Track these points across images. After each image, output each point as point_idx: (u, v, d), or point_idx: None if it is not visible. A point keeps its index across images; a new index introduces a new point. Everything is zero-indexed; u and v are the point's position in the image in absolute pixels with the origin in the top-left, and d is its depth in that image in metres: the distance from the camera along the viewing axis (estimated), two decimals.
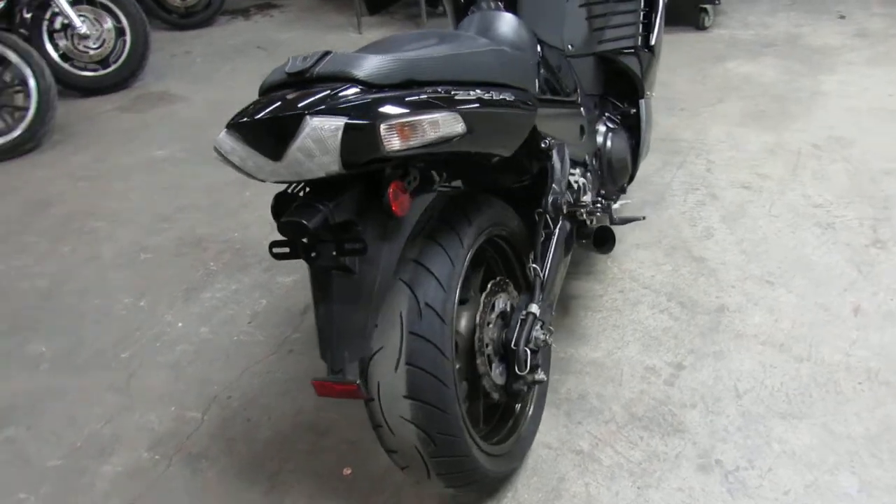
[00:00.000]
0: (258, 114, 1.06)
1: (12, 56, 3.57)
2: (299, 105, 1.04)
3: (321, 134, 1.03)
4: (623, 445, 1.73)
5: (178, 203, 3.10)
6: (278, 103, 1.06)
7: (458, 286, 1.38)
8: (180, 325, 2.32)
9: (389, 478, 1.70)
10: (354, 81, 1.10)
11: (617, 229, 2.46)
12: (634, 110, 2.19)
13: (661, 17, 2.32)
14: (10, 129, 3.62)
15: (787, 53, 3.98)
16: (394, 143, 1.08)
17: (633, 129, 2.18)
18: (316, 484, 1.72)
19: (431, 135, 1.12)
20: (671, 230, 2.52)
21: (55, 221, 3.03)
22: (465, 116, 1.18)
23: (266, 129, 1.05)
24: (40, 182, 3.40)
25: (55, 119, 3.71)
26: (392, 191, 1.14)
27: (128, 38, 4.36)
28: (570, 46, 1.87)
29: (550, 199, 1.50)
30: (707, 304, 2.16)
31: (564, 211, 1.54)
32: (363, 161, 1.08)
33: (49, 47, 4.21)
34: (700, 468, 1.66)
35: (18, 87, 3.66)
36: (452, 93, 1.18)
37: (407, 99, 1.11)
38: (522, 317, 1.55)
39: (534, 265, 1.61)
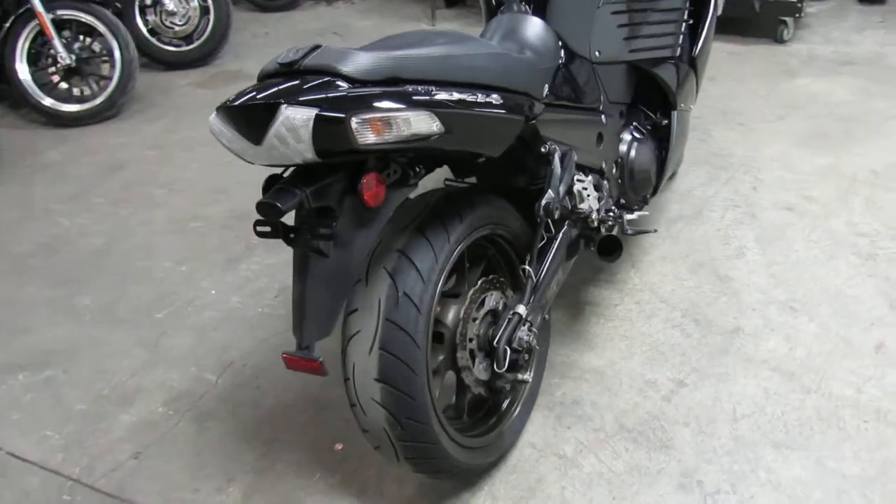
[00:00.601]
0: (242, 99, 1.14)
1: (102, 28, 3.82)
2: (278, 94, 1.11)
3: (293, 123, 1.10)
4: (607, 455, 1.74)
5: (235, 177, 3.26)
6: (262, 91, 1.14)
7: (441, 279, 1.43)
8: (213, 292, 2.46)
9: (376, 457, 1.76)
10: (338, 75, 1.16)
11: (646, 240, 2.49)
12: (666, 122, 2.16)
13: (708, 28, 2.29)
14: (94, 96, 3.89)
15: (865, 73, 3.79)
16: (367, 137, 1.13)
17: (662, 140, 2.16)
18: (307, 454, 1.81)
19: (406, 132, 1.17)
20: (702, 246, 2.48)
21: (121, 185, 3.25)
22: (443, 116, 1.22)
23: (247, 115, 1.13)
24: (114, 148, 3.64)
25: (134, 90, 3.96)
26: (366, 182, 1.20)
27: (211, 16, 4.58)
28: (597, 53, 1.87)
29: (543, 202, 1.52)
30: (722, 325, 2.12)
31: (556, 216, 1.56)
32: (337, 152, 1.14)
33: (139, 21, 4.47)
34: (680, 487, 1.65)
35: (105, 58, 3.92)
36: (433, 92, 1.22)
37: (383, 95, 1.16)
38: (510, 316, 1.58)
39: (526, 266, 1.63)
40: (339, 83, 1.15)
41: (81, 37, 3.89)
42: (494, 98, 1.33)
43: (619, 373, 1.98)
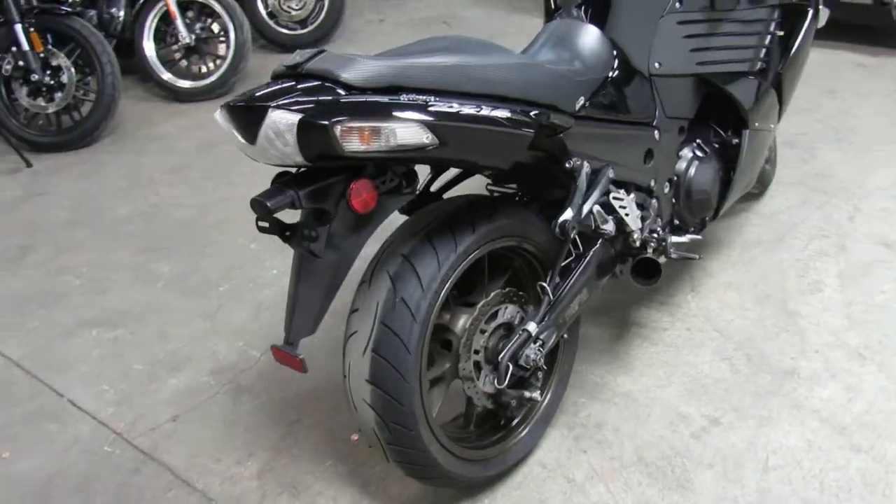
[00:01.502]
0: (240, 98, 1.18)
1: (220, 10, 4.06)
2: (269, 97, 1.14)
3: (279, 127, 1.12)
4: (618, 486, 1.67)
5: None
6: (258, 92, 1.17)
7: (443, 288, 1.42)
8: (274, 272, 2.57)
9: None
10: (336, 81, 1.17)
11: (713, 264, 2.34)
12: (737, 141, 2.01)
13: (801, 43, 2.10)
14: (209, 74, 4.15)
15: None
16: (354, 144, 1.14)
17: (731, 161, 2.01)
18: (324, 440, 1.86)
19: (394, 142, 1.17)
20: (775, 275, 2.29)
21: (216, 161, 3.46)
22: (435, 128, 1.20)
23: (242, 114, 1.17)
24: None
25: (246, 70, 4.18)
26: (355, 188, 1.20)
27: (326, 1, 4.75)
28: (656, 65, 1.77)
29: (560, 220, 1.46)
30: (777, 364, 1.96)
31: (572, 235, 1.50)
32: (325, 157, 1.16)
33: (260, 5, 4.71)
34: None
35: (222, 38, 4.17)
36: (431, 103, 1.21)
37: (374, 104, 1.16)
38: (519, 332, 1.54)
39: (545, 284, 1.58)
40: (335, 89, 1.17)
41: (203, 18, 4.16)
42: (500, 112, 1.30)
43: (652, 401, 1.88)
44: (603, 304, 2.24)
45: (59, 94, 3.64)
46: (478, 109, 1.26)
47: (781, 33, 2.07)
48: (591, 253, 1.67)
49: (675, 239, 1.86)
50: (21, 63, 3.57)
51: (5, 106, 3.65)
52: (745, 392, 1.88)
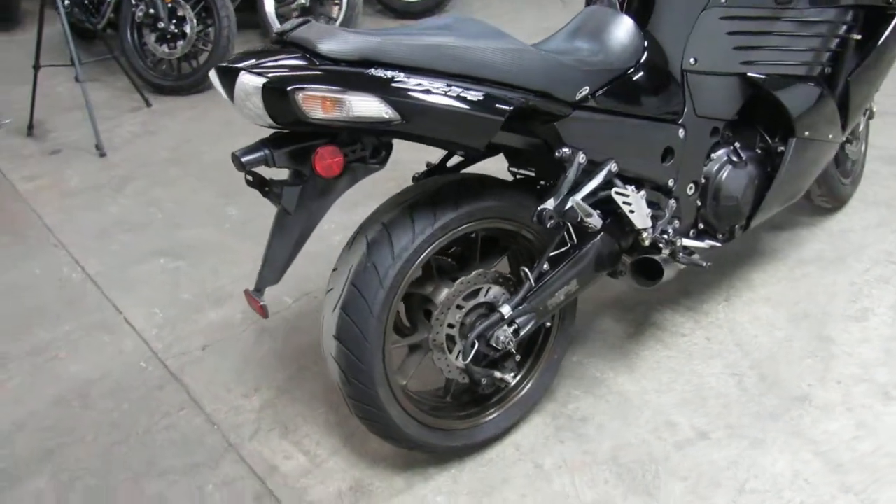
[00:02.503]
0: (228, 60, 1.27)
1: None
2: (247, 60, 1.23)
3: (246, 89, 1.21)
4: (583, 480, 1.67)
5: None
6: (243, 56, 1.26)
7: (416, 259, 1.47)
8: (325, 226, 2.71)
9: None
10: (312, 51, 1.24)
11: (757, 275, 2.22)
12: (782, 149, 1.88)
13: (880, 49, 1.93)
14: None
15: None
16: (315, 112, 1.21)
17: (774, 170, 1.89)
18: (324, 389, 1.98)
19: (353, 113, 1.22)
20: (822, 296, 2.14)
21: None
22: (396, 104, 1.24)
23: (224, 75, 1.26)
24: None
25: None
26: (320, 152, 1.27)
27: None
28: (692, 60, 1.69)
29: (539, 207, 1.46)
30: (790, 388, 1.85)
31: (549, 225, 1.49)
32: (292, 122, 1.24)
33: None
34: None
35: (337, 1, 4.35)
36: (398, 79, 1.25)
37: (337, 75, 1.22)
38: (495, 313, 1.57)
39: (525, 269, 1.59)
40: (310, 59, 1.24)
41: None
42: (472, 94, 1.31)
43: (646, 404, 1.85)
44: (626, 299, 2.20)
45: (181, 42, 3.97)
46: (447, 89, 1.29)
47: (858, 37, 1.90)
48: (588, 245, 1.66)
49: (690, 243, 1.79)
50: (151, 11, 3.93)
51: (136, 49, 4.04)
52: (744, 411, 1.80)
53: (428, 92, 1.27)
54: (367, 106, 1.22)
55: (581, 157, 1.53)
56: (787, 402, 1.82)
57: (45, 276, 2.59)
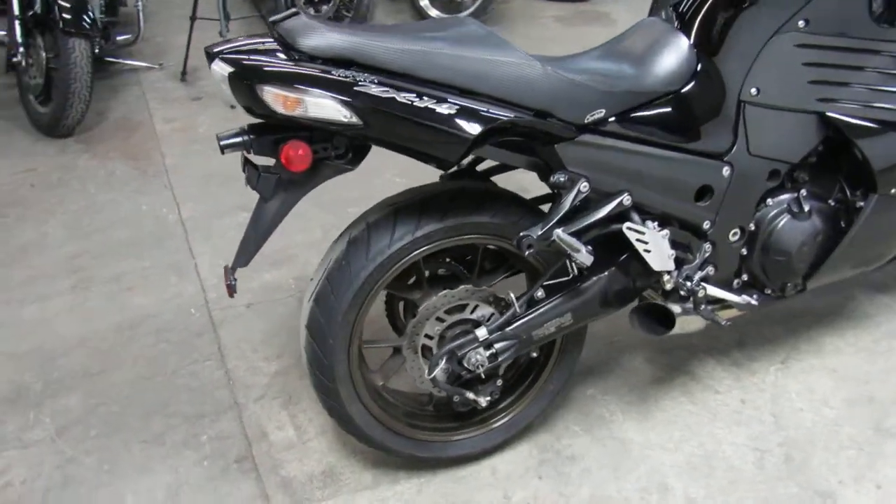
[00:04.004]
0: (213, 44, 1.30)
1: None
2: (226, 46, 1.25)
3: (217, 75, 1.23)
4: None
5: None
6: (227, 41, 1.28)
7: (392, 264, 1.44)
8: None
9: None
10: (291, 45, 1.23)
11: (831, 340, 1.95)
12: (860, 205, 1.60)
13: None
14: (462, 7, 4.34)
15: None
16: (279, 107, 1.21)
17: (847, 226, 1.62)
18: None
19: (312, 114, 1.20)
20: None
21: None
22: (357, 109, 1.20)
23: (208, 59, 1.29)
24: None
25: (492, 11, 4.27)
26: (287, 145, 1.27)
27: None
28: (753, 90, 1.48)
29: (522, 233, 1.36)
30: (816, 480, 1.61)
31: (526, 253, 1.37)
32: (260, 113, 1.24)
33: None
34: None
35: None
36: (360, 83, 1.20)
37: (303, 73, 1.20)
38: (470, 332, 1.51)
39: (512, 295, 1.50)
40: (287, 52, 1.23)
41: None
42: (444, 106, 1.23)
43: (644, 459, 1.70)
44: (665, 340, 1.99)
45: (325, 7, 4.13)
46: (416, 99, 1.22)
47: None
48: (593, 280, 1.53)
49: (722, 294, 1.59)
50: None
51: (286, 8, 4.26)
52: (752, 493, 1.60)
53: (392, 99, 1.22)
54: (325, 107, 1.20)
55: (583, 185, 1.40)
56: (807, 494, 1.59)
57: (148, 213, 2.85)
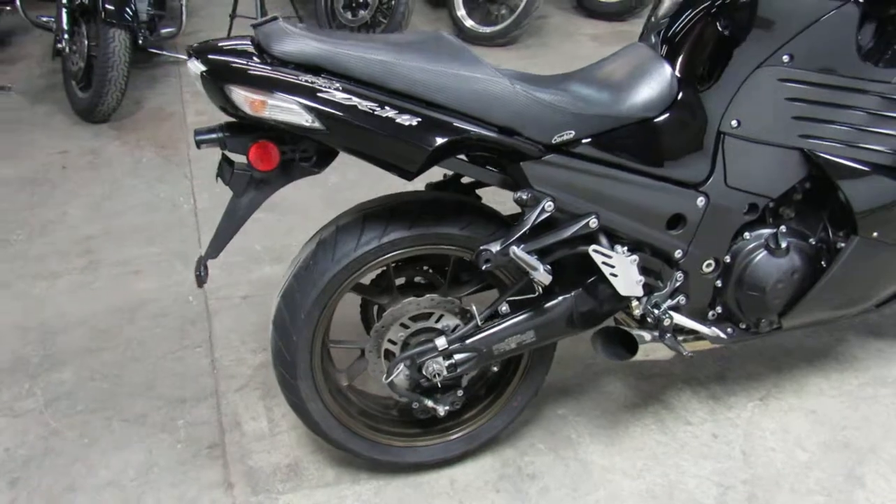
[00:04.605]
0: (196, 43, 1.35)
1: None
2: (204, 46, 1.30)
3: (191, 73, 1.28)
4: None
5: None
6: (207, 41, 1.33)
7: (358, 268, 1.47)
8: None
9: None
10: (265, 50, 1.28)
11: (815, 382, 1.91)
12: (842, 245, 1.56)
13: None
14: (497, 21, 4.36)
15: None
16: (246, 108, 1.25)
17: (827, 267, 1.58)
18: None
19: (276, 117, 1.24)
20: (879, 428, 1.78)
21: None
22: (319, 114, 1.23)
23: (188, 56, 1.34)
24: (495, 62, 4.08)
25: (526, 26, 4.27)
26: (255, 145, 1.31)
27: None
28: (734, 122, 1.46)
29: (481, 247, 1.37)
30: None
31: (484, 268, 1.38)
32: (232, 112, 1.28)
33: None
34: None
35: None
36: (323, 89, 1.23)
37: (269, 77, 1.23)
38: (429, 341, 1.53)
39: (473, 308, 1.51)
40: (260, 56, 1.27)
41: None
42: (404, 117, 1.26)
43: (605, 484, 1.69)
44: (646, 366, 1.99)
45: (362, 12, 4.21)
46: (377, 108, 1.25)
47: None
48: (558, 300, 1.53)
49: (692, 325, 1.56)
50: None
51: (326, 12, 4.35)
52: None
53: (354, 107, 1.25)
54: (287, 111, 1.24)
55: (547, 205, 1.41)
56: None
57: (165, 200, 2.95)
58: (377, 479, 1.73)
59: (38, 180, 3.15)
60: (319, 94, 1.24)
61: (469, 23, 4.40)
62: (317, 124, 1.25)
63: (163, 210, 2.87)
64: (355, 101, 1.25)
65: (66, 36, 3.55)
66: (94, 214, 2.87)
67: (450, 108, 1.31)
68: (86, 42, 3.52)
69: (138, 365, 2.10)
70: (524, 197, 1.40)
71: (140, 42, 3.71)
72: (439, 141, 1.28)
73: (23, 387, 2.04)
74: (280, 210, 2.81)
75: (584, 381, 1.95)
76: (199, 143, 1.36)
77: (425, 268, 1.71)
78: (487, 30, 4.37)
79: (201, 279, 1.48)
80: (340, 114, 1.25)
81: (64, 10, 3.53)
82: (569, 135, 1.39)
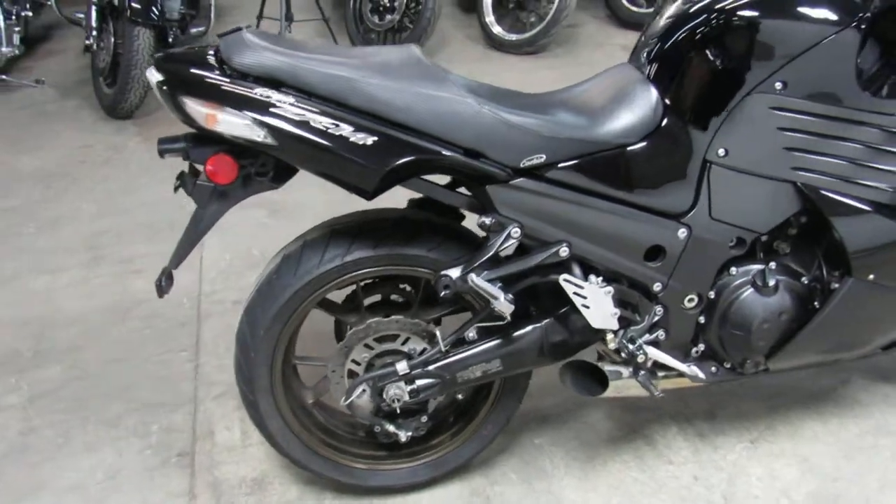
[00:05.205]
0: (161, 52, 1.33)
1: None
2: (167, 55, 1.27)
3: (150, 80, 1.26)
4: None
5: None
6: (172, 51, 1.31)
7: (320, 286, 1.44)
8: None
9: None
10: (225, 62, 1.25)
11: (813, 427, 1.83)
12: (836, 286, 1.46)
13: None
14: (523, 30, 4.29)
15: None
16: (200, 121, 1.22)
17: (819, 308, 1.48)
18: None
19: (228, 131, 1.21)
20: (875, 482, 1.66)
21: None
22: (272, 130, 1.20)
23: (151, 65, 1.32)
24: (520, 71, 4.07)
25: (555, 35, 4.20)
26: (212, 158, 1.28)
27: None
28: (720, 151, 1.38)
29: (441, 272, 1.32)
30: None
31: (441, 295, 1.32)
32: (190, 123, 1.26)
33: None
34: None
35: (548, 2, 4.24)
36: (277, 104, 1.20)
37: (225, 91, 1.20)
38: (390, 364, 1.48)
39: (437, 332, 1.46)
40: (221, 68, 1.25)
41: None
42: (359, 136, 1.21)
43: None
44: (637, 399, 1.89)
45: (389, 17, 4.18)
46: (332, 126, 1.21)
47: None
48: (527, 329, 1.47)
49: (668, 361, 1.48)
50: None
51: (354, 15, 4.34)
52: None
53: (306, 123, 1.21)
54: (237, 125, 1.21)
55: (514, 231, 1.35)
56: None
57: (174, 200, 2.94)
58: (341, 499, 1.68)
59: (58, 174, 3.21)
60: (272, 109, 1.21)
61: (497, 29, 4.34)
62: (269, 140, 1.22)
63: (171, 209, 2.88)
64: (309, 117, 1.22)
65: (94, 33, 3.61)
66: (106, 210, 2.91)
67: (411, 127, 1.26)
68: (112, 39, 3.58)
69: (123, 366, 2.11)
70: (487, 222, 1.34)
71: (171, 40, 3.76)
72: (395, 161, 1.24)
73: (10, 381, 2.06)
74: (281, 214, 2.80)
75: (565, 409, 1.88)
76: (162, 153, 1.34)
77: (403, 286, 1.67)
78: (514, 37, 4.30)
79: (162, 289, 1.46)
80: (293, 130, 1.21)
81: (93, 8, 3.60)
82: (539, 159, 1.33)
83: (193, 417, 1.92)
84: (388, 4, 4.17)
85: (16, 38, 3.93)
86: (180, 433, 1.88)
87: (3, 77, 4.07)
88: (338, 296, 1.61)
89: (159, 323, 2.27)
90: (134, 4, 3.36)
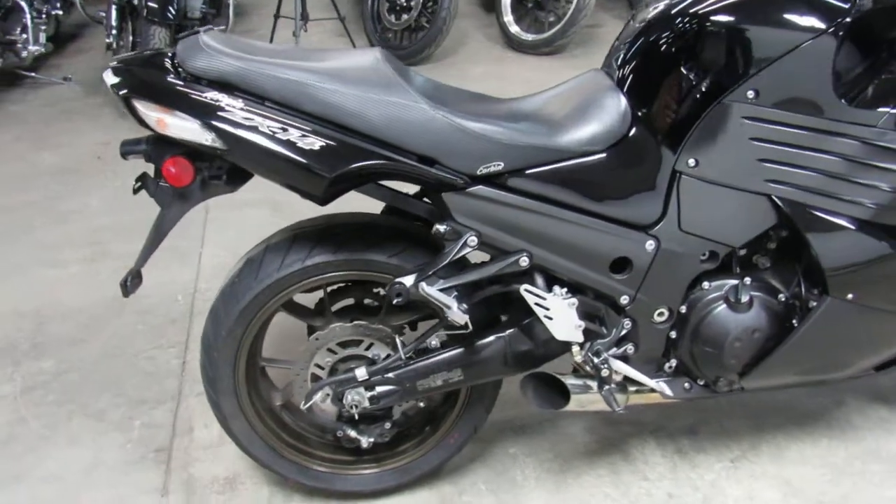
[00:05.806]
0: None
1: None
2: (125, 58, 1.28)
3: (105, 81, 1.26)
4: None
5: None
6: (133, 54, 1.32)
7: (281, 289, 1.43)
8: None
9: None
10: (179, 64, 1.25)
11: (801, 449, 1.77)
12: (814, 304, 1.39)
13: None
14: (541, 30, 4.24)
15: None
16: (152, 124, 1.22)
17: (796, 324, 1.42)
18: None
19: (178, 134, 1.21)
20: None
21: None
22: (219, 132, 1.19)
23: None
24: (536, 71, 4.04)
25: (573, 35, 4.14)
26: (169, 160, 1.28)
27: None
28: (690, 161, 1.33)
29: (396, 279, 1.29)
30: None
31: (395, 303, 1.30)
32: (148, 128, 1.26)
33: None
34: None
35: (567, 2, 4.18)
36: (226, 108, 1.19)
37: (169, 93, 1.20)
38: (350, 370, 1.47)
39: (399, 340, 1.44)
40: (173, 71, 1.25)
41: None
42: (307, 141, 1.20)
43: None
44: (619, 414, 1.85)
45: (405, 16, 4.18)
46: (280, 130, 1.20)
47: None
48: (489, 339, 1.44)
49: (635, 375, 1.44)
50: None
51: (371, 14, 4.35)
52: None
53: (254, 128, 1.20)
54: (188, 129, 1.21)
55: (471, 239, 1.32)
56: None
57: None
58: (310, 501, 1.68)
59: (73, 169, 3.29)
60: (220, 113, 1.21)
61: (514, 29, 4.30)
62: (218, 143, 1.22)
63: None
64: (258, 121, 1.21)
65: (114, 31, 3.69)
66: (112, 206, 2.96)
67: (364, 133, 1.24)
68: (131, 38, 3.65)
69: (113, 361, 2.14)
70: (443, 230, 1.31)
71: None
72: (343, 167, 1.22)
73: (5, 371, 2.11)
74: (282, 212, 2.81)
75: (543, 419, 1.84)
76: (124, 154, 1.35)
77: (377, 290, 1.65)
78: (532, 37, 4.26)
79: (128, 289, 1.47)
80: (240, 133, 1.21)
81: (113, 7, 3.67)
82: (497, 166, 1.30)
83: (175, 414, 1.94)
84: (404, 4, 4.17)
85: (42, 37, 4.03)
86: (161, 429, 1.90)
87: (32, 74, 4.19)
88: (310, 299, 1.61)
89: (151, 319, 2.30)
90: (151, 4, 3.42)
